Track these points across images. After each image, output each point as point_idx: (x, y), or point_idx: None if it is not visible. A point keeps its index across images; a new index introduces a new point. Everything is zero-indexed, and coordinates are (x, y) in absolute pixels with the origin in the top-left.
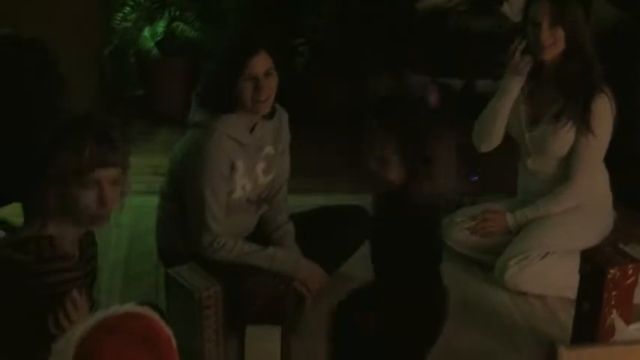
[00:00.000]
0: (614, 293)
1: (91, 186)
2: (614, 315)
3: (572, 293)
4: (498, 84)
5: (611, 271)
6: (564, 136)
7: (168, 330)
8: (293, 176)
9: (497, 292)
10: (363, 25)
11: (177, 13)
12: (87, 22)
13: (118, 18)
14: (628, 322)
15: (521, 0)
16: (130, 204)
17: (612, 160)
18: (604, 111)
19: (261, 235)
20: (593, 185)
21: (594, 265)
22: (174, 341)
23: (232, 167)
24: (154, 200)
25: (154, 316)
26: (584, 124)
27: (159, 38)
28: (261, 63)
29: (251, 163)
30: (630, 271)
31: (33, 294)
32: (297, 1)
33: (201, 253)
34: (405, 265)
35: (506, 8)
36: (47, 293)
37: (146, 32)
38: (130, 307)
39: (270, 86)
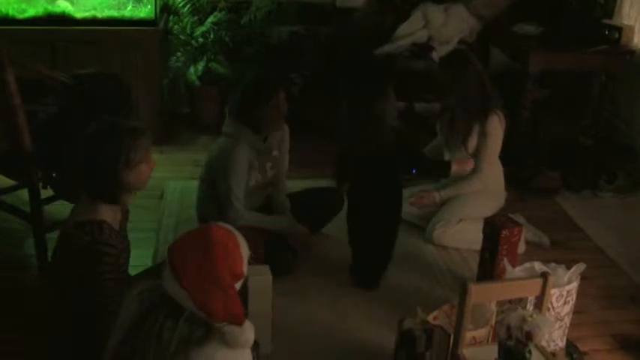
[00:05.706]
0: (505, 247)
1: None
2: (505, 261)
3: (478, 246)
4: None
5: (503, 232)
6: (470, 144)
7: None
8: (290, 167)
9: (427, 247)
10: (340, 63)
11: (212, 57)
12: (152, 63)
13: (173, 60)
14: (514, 266)
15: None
16: (178, 186)
17: (505, 157)
18: (495, 126)
19: (268, 207)
20: (492, 174)
21: (492, 228)
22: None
23: (250, 165)
24: (195, 183)
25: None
26: (482, 135)
27: (200, 74)
28: (282, 97)
29: (262, 162)
30: (516, 232)
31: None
32: (295, 50)
33: (228, 221)
34: None
35: (434, 55)
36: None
37: (191, 69)
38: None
39: (285, 112)
